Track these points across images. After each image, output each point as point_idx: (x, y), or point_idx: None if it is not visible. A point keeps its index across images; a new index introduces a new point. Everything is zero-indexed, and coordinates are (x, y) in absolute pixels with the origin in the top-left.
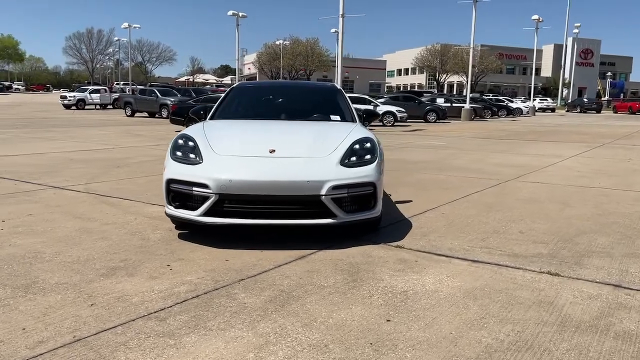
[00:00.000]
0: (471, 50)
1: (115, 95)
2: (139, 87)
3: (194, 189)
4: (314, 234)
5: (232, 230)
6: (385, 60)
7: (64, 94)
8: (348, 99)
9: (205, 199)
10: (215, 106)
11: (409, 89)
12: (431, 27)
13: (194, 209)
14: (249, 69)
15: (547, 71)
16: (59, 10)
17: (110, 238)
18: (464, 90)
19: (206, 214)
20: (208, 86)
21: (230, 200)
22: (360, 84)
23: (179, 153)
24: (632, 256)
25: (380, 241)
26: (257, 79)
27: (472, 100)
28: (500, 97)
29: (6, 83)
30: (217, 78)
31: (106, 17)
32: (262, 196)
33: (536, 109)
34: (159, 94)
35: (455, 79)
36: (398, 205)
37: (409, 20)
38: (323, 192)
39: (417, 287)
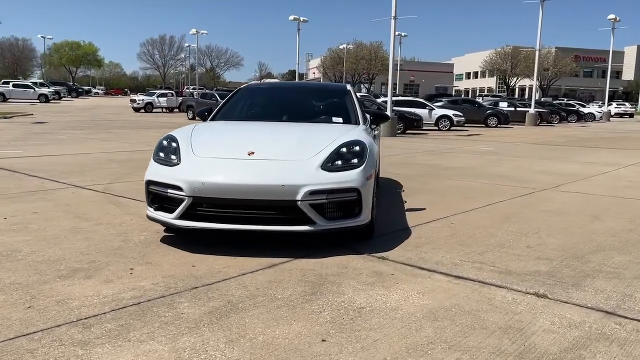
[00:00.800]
0: (537, 52)
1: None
2: (201, 91)
3: (169, 191)
4: (302, 241)
5: (218, 234)
6: (453, 64)
7: (133, 98)
8: (357, 100)
9: (180, 201)
10: (218, 107)
11: (478, 92)
12: (503, 28)
13: (170, 211)
14: (314, 73)
15: (629, 74)
16: (136, 18)
17: (94, 238)
18: (536, 94)
19: (181, 217)
20: None
21: (204, 204)
22: (426, 88)
23: (161, 154)
24: None
25: (367, 251)
26: None
27: (539, 104)
28: (572, 102)
29: (86, 87)
30: None
31: (179, 24)
32: (236, 200)
33: (612, 114)
34: (218, 98)
35: (526, 82)
36: (408, 213)
37: (480, 23)
38: (299, 197)
39: (377, 304)
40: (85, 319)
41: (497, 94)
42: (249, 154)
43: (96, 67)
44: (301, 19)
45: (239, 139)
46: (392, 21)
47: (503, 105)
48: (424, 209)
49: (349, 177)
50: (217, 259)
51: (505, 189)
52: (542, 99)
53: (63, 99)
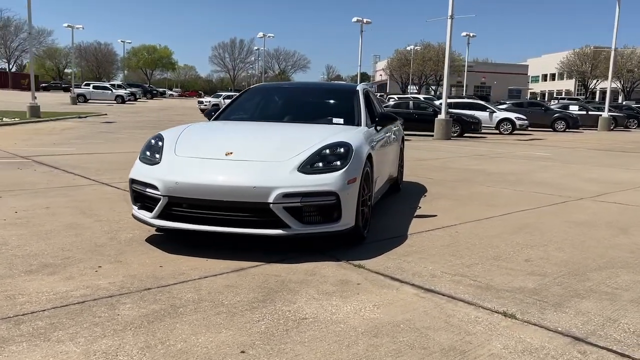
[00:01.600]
0: (612, 52)
1: None
2: None
3: (147, 189)
4: (290, 245)
5: (205, 235)
6: (527, 65)
7: (200, 100)
8: (363, 101)
9: (157, 200)
10: (223, 107)
11: (554, 95)
12: (584, 28)
13: (150, 210)
14: (380, 75)
15: None
16: (210, 23)
17: (84, 235)
18: (619, 97)
19: (159, 216)
20: None
21: (179, 204)
22: (499, 90)
23: (147, 153)
24: None
25: (346, 258)
26: (388, 86)
27: (616, 108)
28: None
29: (161, 89)
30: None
31: (249, 28)
32: (209, 201)
33: None
34: None
35: (608, 85)
36: (416, 220)
37: (559, 22)
38: (271, 199)
39: (324, 315)
40: (23, 315)
41: (575, 97)
42: (226, 154)
43: (170, 70)
44: (364, 20)
45: (223, 139)
46: (449, 21)
47: (573, 108)
48: (435, 215)
49: (326, 180)
50: (189, 260)
51: (538, 197)
52: (624, 103)
53: (138, 100)
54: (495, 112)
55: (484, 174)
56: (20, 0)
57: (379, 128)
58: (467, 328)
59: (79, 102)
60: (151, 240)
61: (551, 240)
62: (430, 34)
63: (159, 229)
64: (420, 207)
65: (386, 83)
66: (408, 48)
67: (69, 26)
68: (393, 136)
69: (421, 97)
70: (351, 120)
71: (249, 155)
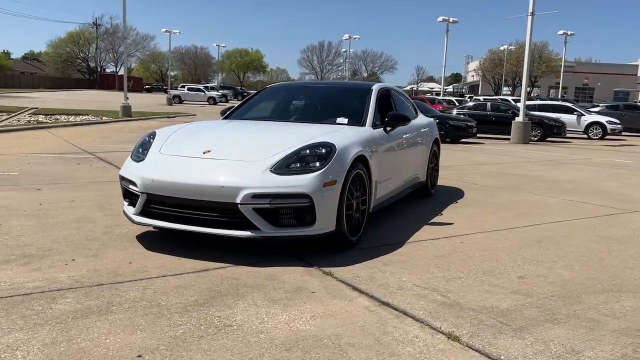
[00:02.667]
0: None
1: None
2: None
3: (130, 186)
4: (276, 246)
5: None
6: (637, 65)
7: None
8: (375, 101)
9: (138, 197)
10: (236, 105)
11: None
12: None
13: (134, 207)
14: (472, 76)
15: None
16: (299, 26)
17: (83, 228)
18: None
19: (140, 213)
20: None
21: (158, 202)
22: (603, 92)
23: (139, 150)
24: (628, 333)
25: (321, 264)
26: (480, 87)
27: None
28: None
29: (252, 91)
30: (440, 86)
31: (337, 31)
32: (182, 199)
33: None
34: None
35: None
36: (427, 227)
37: None
38: (239, 200)
39: (251, 324)
40: None
41: None
42: (204, 153)
43: (261, 72)
44: (450, 19)
45: (209, 137)
46: (529, 18)
47: None
48: (452, 223)
49: (298, 182)
50: (161, 258)
51: (585, 207)
52: None
53: (229, 101)
54: (583, 115)
55: (538, 181)
56: (128, 8)
57: (388, 129)
58: (395, 348)
59: (175, 103)
60: (142, 236)
61: (564, 256)
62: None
63: (156, 227)
64: (441, 214)
65: (478, 84)
66: (502, 48)
67: (166, 31)
68: (418, 138)
69: (500, 98)
70: (357, 120)
71: (225, 154)
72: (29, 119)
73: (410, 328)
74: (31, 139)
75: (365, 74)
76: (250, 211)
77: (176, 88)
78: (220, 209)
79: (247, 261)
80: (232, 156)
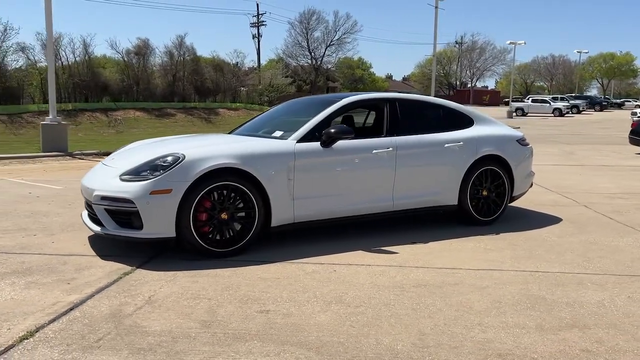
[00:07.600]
0: None
1: None
2: None
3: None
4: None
5: None
6: None
7: (635, 111)
8: (326, 115)
9: None
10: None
11: None
12: None
13: None
14: None
15: None
16: None
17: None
18: None
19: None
20: None
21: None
22: None
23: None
24: None
25: (151, 266)
26: None
27: None
28: None
29: (618, 100)
30: None
31: None
32: (85, 199)
33: None
34: None
35: None
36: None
37: None
38: (92, 199)
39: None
40: None
41: None
42: (110, 161)
43: (632, 77)
44: None
45: (136, 149)
46: None
47: None
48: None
49: (126, 188)
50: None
51: None
52: None
53: (582, 112)
54: None
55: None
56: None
57: (326, 143)
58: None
59: (516, 115)
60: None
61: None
62: None
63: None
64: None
65: None
66: None
67: (511, 42)
68: (432, 155)
69: None
70: (290, 133)
71: (117, 163)
72: None
73: None
74: None
75: None
76: (101, 210)
77: (520, 100)
78: (90, 207)
79: (112, 254)
80: (118, 164)
